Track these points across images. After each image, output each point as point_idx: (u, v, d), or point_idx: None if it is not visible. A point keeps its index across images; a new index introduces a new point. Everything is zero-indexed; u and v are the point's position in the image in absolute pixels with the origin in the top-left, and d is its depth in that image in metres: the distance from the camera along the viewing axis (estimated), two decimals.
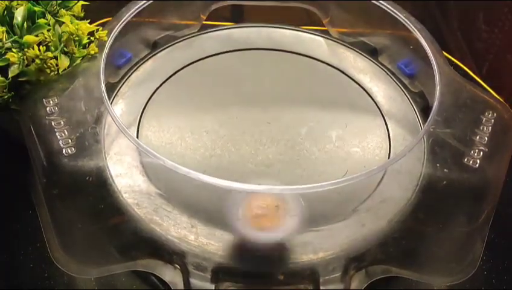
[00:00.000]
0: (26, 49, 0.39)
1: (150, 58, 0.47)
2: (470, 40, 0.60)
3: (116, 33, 0.42)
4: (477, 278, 0.40)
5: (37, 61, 0.38)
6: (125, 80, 0.46)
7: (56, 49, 0.39)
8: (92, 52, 0.41)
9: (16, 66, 0.38)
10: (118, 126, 0.36)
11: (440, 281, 0.38)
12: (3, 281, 0.41)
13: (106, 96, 0.38)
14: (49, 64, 0.38)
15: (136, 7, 0.45)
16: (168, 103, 0.44)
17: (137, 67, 0.47)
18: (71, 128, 0.36)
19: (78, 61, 0.40)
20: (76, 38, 0.40)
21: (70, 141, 0.36)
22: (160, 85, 0.46)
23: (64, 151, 0.35)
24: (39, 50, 0.38)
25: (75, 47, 0.40)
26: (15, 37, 0.39)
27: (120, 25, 0.43)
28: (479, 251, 0.38)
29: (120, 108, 0.44)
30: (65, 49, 0.39)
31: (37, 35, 0.39)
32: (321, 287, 0.36)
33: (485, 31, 0.57)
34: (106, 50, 0.41)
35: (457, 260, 0.38)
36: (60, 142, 0.35)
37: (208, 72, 0.47)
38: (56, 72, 0.39)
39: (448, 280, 0.38)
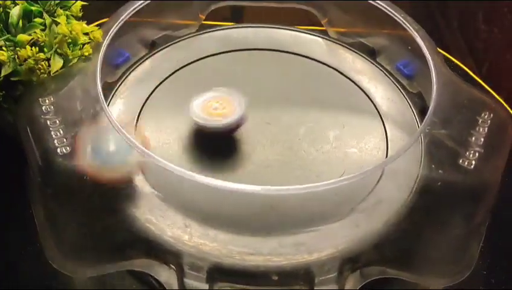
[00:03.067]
0: (18, 48, 0.39)
1: (148, 58, 0.47)
2: (470, 40, 0.60)
3: (113, 32, 0.42)
4: (473, 279, 0.39)
5: (30, 61, 0.38)
6: (123, 80, 0.46)
7: (50, 50, 0.39)
8: (86, 53, 0.41)
9: (7, 64, 0.38)
10: (113, 126, 0.36)
11: (436, 282, 0.38)
12: (3, 282, 0.41)
13: (102, 96, 0.38)
14: (39, 65, 0.38)
15: (134, 6, 0.45)
16: (166, 103, 0.44)
17: (136, 67, 0.47)
18: (66, 127, 0.36)
19: (75, 61, 0.40)
20: (69, 40, 0.40)
21: (65, 140, 0.36)
22: (158, 85, 0.46)
23: (59, 150, 0.35)
24: (31, 50, 0.38)
25: (69, 48, 0.40)
26: (8, 35, 0.39)
27: (118, 25, 0.43)
28: (475, 251, 0.38)
29: (117, 108, 0.44)
30: (58, 50, 0.39)
31: (30, 35, 0.39)
32: (316, 288, 0.35)
33: (484, 31, 0.57)
34: (103, 49, 0.41)
35: (453, 261, 0.38)
36: (55, 141, 0.35)
37: (206, 72, 0.47)
38: (47, 74, 0.39)
39: (444, 281, 0.38)
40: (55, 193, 0.36)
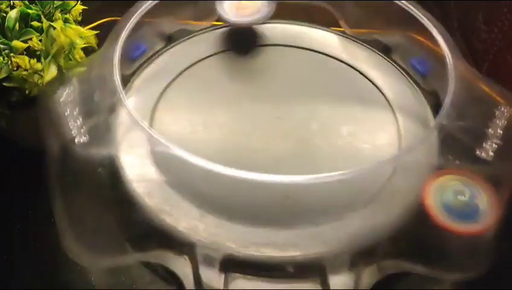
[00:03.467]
0: (12, 54, 0.39)
1: (164, 52, 0.48)
2: (470, 40, 0.60)
3: (131, 26, 0.43)
4: (491, 275, 0.39)
5: (23, 72, 0.38)
6: (139, 73, 0.46)
7: (46, 57, 0.39)
8: (80, 59, 0.41)
9: (1, 69, 0.38)
10: (130, 116, 0.36)
11: (452, 276, 0.38)
12: (3, 281, 0.41)
13: (121, 87, 0.38)
14: (31, 78, 0.38)
15: (149, 2, 0.45)
16: (181, 97, 0.45)
17: (152, 61, 0.47)
18: (85, 118, 0.37)
19: (78, 69, 0.40)
20: (66, 51, 0.40)
21: (83, 130, 0.36)
22: (174, 79, 0.46)
23: (77, 140, 0.35)
24: (29, 62, 0.38)
25: (64, 59, 0.40)
26: (3, 39, 0.40)
27: (135, 18, 0.43)
28: (493, 245, 0.38)
29: (133, 101, 0.44)
30: (52, 60, 0.39)
31: (25, 42, 0.39)
32: (330, 281, 0.35)
33: (484, 31, 0.57)
34: (121, 41, 0.41)
35: (470, 255, 0.38)
36: (74, 131, 0.36)
37: (222, 67, 0.47)
38: (41, 84, 0.39)
39: (461, 275, 0.38)
40: (73, 182, 0.36)
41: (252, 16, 0.45)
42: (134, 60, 0.46)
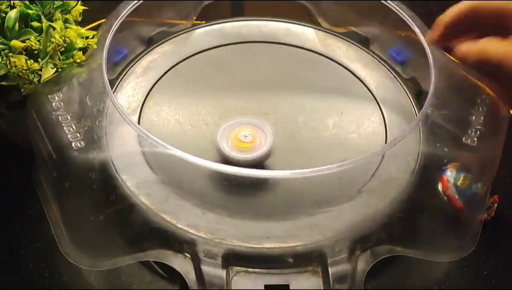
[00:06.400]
0: (11, 54, 0.38)
1: (145, 54, 0.48)
2: None
3: (115, 28, 0.43)
4: (477, 255, 0.41)
5: (23, 71, 0.38)
6: (123, 76, 0.46)
7: (44, 56, 0.39)
8: (78, 60, 0.41)
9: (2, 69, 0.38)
10: (122, 115, 0.37)
11: (441, 258, 0.40)
12: (4, 281, 0.41)
13: (109, 87, 0.38)
14: (30, 76, 0.38)
15: (133, 4, 0.45)
16: (166, 98, 0.45)
17: (134, 64, 0.47)
18: (78, 122, 0.37)
19: (75, 70, 0.40)
20: (62, 49, 0.40)
21: (78, 134, 0.36)
22: (158, 80, 0.46)
23: (73, 144, 0.36)
24: (26, 62, 0.38)
25: (60, 57, 0.40)
26: (2, 39, 0.39)
27: (119, 21, 0.43)
28: (478, 227, 0.40)
29: (122, 102, 0.44)
30: (50, 61, 0.39)
31: (24, 41, 0.39)
32: (330, 268, 0.36)
33: None
34: (107, 44, 0.41)
35: (457, 237, 0.39)
36: (69, 136, 0.36)
37: (204, 66, 0.48)
38: (36, 83, 0.39)
39: (449, 256, 0.39)
40: (72, 186, 0.36)
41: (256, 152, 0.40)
42: (117, 64, 0.46)
